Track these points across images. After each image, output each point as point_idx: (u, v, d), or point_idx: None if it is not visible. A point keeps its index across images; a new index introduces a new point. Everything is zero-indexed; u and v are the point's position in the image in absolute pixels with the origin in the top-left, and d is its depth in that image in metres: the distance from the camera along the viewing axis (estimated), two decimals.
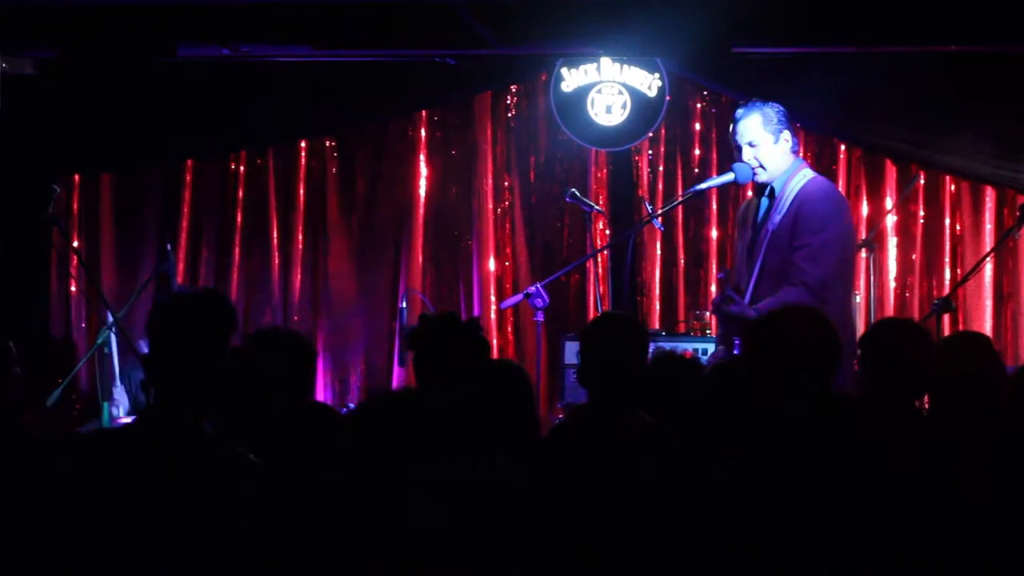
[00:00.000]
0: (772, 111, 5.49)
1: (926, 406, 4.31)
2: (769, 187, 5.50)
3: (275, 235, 8.12)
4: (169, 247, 7.15)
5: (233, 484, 3.15)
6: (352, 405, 7.08)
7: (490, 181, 8.12)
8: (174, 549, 3.04)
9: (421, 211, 8.13)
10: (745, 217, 5.72)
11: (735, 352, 5.13)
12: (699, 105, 8.02)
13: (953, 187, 7.81)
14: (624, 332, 4.19)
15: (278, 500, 3.16)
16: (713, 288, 7.93)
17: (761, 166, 5.49)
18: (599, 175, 8.04)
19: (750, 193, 5.86)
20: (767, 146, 5.47)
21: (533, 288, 5.98)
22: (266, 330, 4.51)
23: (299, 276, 8.14)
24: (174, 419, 3.20)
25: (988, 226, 7.68)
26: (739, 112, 5.54)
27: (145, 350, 3.49)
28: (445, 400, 3.32)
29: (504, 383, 3.92)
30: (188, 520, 3.06)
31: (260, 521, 3.10)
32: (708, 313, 6.85)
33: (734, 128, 5.54)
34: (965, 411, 3.95)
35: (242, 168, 8.17)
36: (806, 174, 5.48)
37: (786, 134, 5.48)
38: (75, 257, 7.67)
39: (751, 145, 5.49)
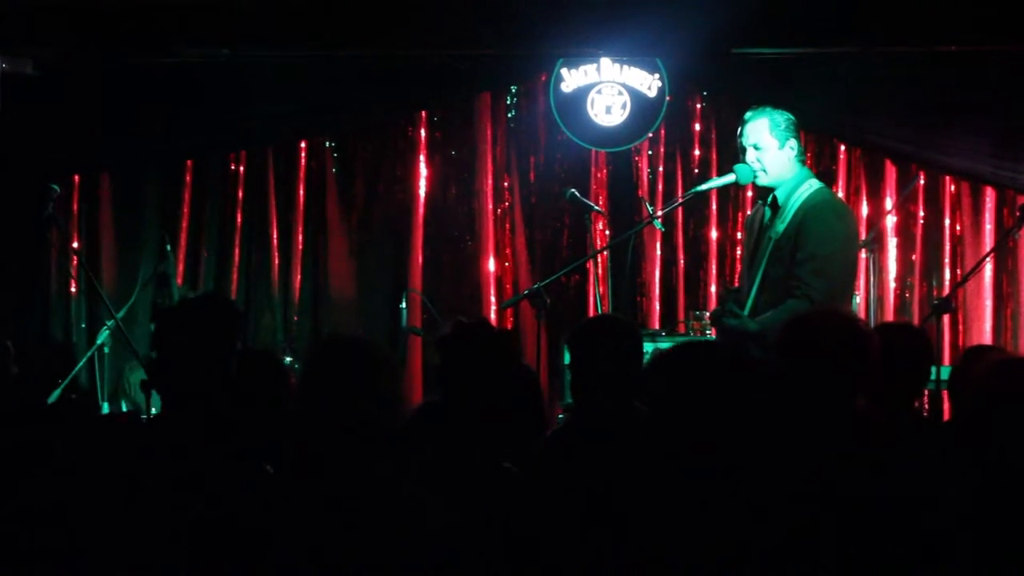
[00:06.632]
0: (781, 118, 5.49)
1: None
2: (772, 195, 5.49)
3: (275, 235, 8.11)
4: (169, 247, 7.15)
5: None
6: None
7: (490, 181, 8.11)
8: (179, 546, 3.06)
9: (421, 211, 8.13)
10: (751, 223, 5.72)
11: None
12: (699, 105, 8.02)
13: (953, 187, 7.81)
14: (615, 337, 4.12)
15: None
16: (713, 289, 7.94)
17: (763, 169, 5.49)
18: (599, 175, 8.04)
19: (750, 194, 5.86)
20: (772, 151, 5.46)
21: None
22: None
23: (299, 276, 8.13)
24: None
25: (988, 226, 7.68)
26: (748, 114, 5.55)
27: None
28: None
29: (517, 386, 3.90)
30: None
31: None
32: (707, 314, 6.85)
33: (742, 129, 5.55)
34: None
35: (242, 168, 8.16)
36: (812, 184, 5.46)
37: (792, 142, 5.46)
38: (75, 257, 7.67)
39: (756, 148, 5.49)
